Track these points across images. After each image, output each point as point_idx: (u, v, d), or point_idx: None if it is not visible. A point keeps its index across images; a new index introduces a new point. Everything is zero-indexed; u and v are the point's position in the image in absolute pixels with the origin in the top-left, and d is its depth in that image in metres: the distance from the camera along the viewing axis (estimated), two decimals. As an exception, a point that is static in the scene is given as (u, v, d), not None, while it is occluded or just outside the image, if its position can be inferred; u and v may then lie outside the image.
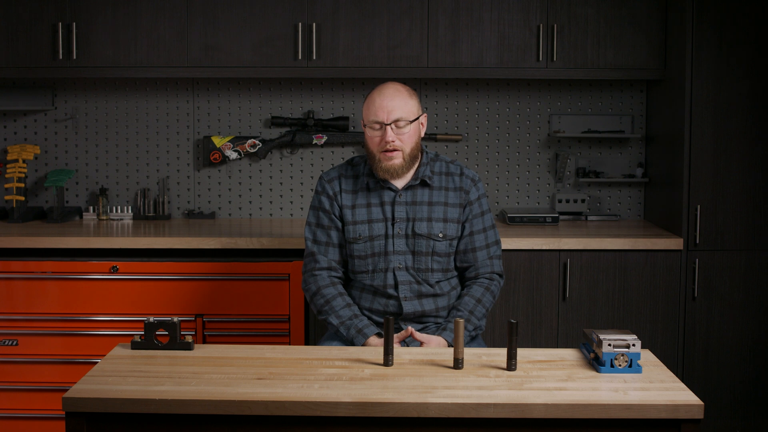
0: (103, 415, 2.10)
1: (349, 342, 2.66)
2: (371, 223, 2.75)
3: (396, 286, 2.73)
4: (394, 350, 2.39)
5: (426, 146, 4.13)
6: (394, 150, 2.67)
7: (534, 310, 3.67)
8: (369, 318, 2.76)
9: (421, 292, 2.73)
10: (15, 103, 4.14)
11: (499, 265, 2.82)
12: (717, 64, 3.60)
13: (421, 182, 2.76)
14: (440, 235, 2.73)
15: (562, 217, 4.12)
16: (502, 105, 4.20)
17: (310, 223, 2.82)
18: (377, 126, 2.68)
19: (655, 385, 2.18)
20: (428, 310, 2.74)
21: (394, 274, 2.73)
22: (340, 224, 2.78)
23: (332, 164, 4.18)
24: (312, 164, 4.22)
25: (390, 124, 2.66)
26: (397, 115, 2.66)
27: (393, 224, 2.74)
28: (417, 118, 2.71)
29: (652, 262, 3.65)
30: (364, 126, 2.72)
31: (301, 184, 4.22)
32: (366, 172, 2.78)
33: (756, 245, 3.66)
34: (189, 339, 2.43)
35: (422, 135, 2.77)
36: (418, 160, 2.78)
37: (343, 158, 4.17)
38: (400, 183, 2.76)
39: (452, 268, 2.78)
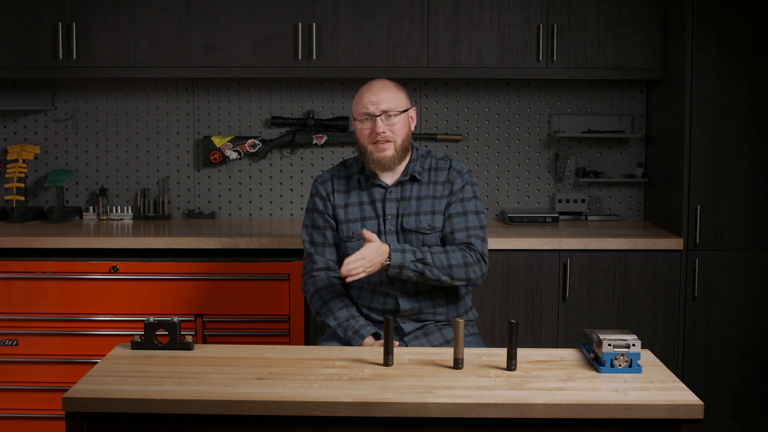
0: (103, 415, 2.10)
1: (347, 343, 2.66)
2: (364, 221, 2.76)
3: (392, 283, 2.73)
4: (394, 350, 2.39)
5: (426, 146, 4.17)
6: (386, 141, 2.69)
7: (534, 310, 3.67)
8: (368, 317, 2.76)
9: (417, 288, 2.73)
10: (15, 103, 4.14)
11: (480, 245, 2.71)
12: (717, 64, 3.60)
13: (410, 178, 2.77)
14: (428, 227, 2.74)
15: (562, 217, 4.12)
16: (502, 105, 4.20)
17: (306, 225, 2.83)
18: (367, 118, 2.69)
19: (655, 385, 2.18)
20: (425, 306, 2.74)
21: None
22: (334, 224, 2.79)
23: (332, 164, 4.18)
24: (312, 164, 4.22)
25: (380, 115, 2.68)
26: (386, 106, 2.68)
27: (384, 221, 2.75)
28: (406, 110, 2.74)
29: (652, 262, 3.65)
30: (354, 121, 2.73)
31: (301, 184, 4.22)
32: (358, 171, 2.80)
33: (756, 245, 3.66)
34: (189, 339, 2.44)
35: (412, 129, 2.79)
36: (409, 155, 2.79)
37: (343, 158, 4.17)
38: (390, 179, 2.77)
39: None
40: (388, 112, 2.69)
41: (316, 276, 2.77)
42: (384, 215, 2.75)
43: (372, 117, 2.69)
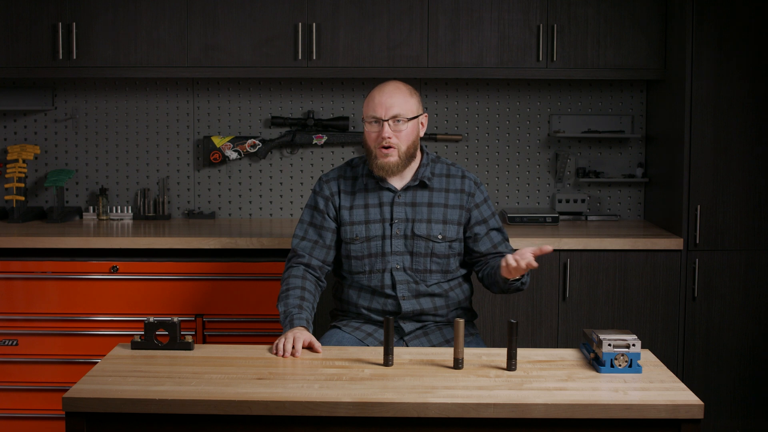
0: (103, 415, 2.10)
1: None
2: (368, 224, 2.75)
3: (393, 286, 2.73)
4: (394, 350, 2.39)
5: (426, 146, 4.16)
6: (390, 147, 2.67)
7: (534, 310, 3.67)
8: (368, 317, 2.76)
9: (419, 291, 2.73)
10: (15, 103, 4.14)
11: None
12: (717, 64, 3.60)
13: (420, 183, 2.76)
14: (439, 236, 2.73)
15: (562, 217, 4.12)
16: (502, 105, 4.20)
17: (303, 221, 2.82)
18: (375, 121, 2.68)
19: (655, 385, 2.19)
20: (427, 308, 2.74)
21: (392, 275, 2.73)
22: (332, 225, 2.78)
23: (332, 164, 4.19)
24: (312, 164, 4.22)
25: (387, 120, 2.66)
26: (395, 111, 2.66)
27: (391, 225, 2.74)
28: (416, 117, 2.71)
29: (652, 262, 3.65)
30: (364, 122, 2.72)
31: (301, 184, 4.22)
32: (365, 173, 2.78)
33: (756, 245, 3.66)
34: (189, 339, 2.44)
35: (422, 135, 2.77)
36: (418, 161, 2.77)
37: (343, 158, 4.17)
38: (399, 183, 2.76)
39: (453, 269, 2.77)
40: (396, 117, 2.66)
41: (295, 266, 2.75)
42: (391, 219, 2.75)
43: (380, 121, 2.67)
